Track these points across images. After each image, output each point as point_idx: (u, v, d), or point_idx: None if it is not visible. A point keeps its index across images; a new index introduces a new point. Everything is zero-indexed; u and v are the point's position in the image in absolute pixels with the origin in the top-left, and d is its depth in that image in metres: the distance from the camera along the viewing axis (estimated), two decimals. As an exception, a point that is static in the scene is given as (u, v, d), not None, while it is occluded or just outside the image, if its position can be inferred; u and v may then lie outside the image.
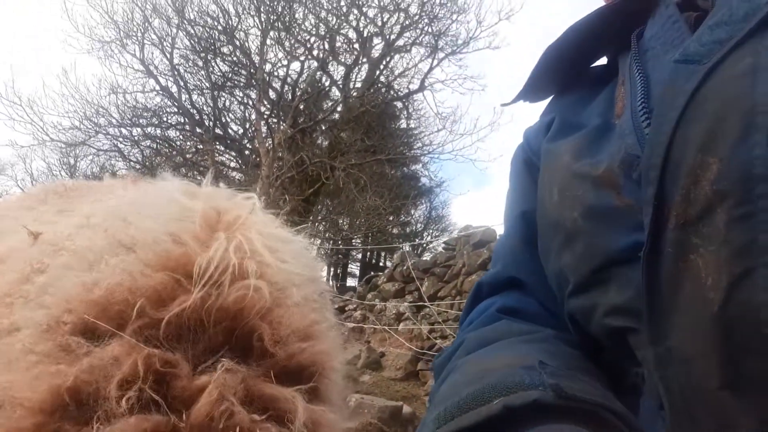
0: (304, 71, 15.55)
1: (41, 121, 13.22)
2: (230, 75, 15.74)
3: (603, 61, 0.90)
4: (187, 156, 15.07)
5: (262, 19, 14.46)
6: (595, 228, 0.67)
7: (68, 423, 0.60)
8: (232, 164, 16.20)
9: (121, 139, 14.92)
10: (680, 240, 0.53)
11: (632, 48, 0.75)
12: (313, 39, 15.30)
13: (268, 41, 14.76)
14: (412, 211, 21.87)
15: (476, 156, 14.33)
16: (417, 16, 14.73)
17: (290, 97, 15.13)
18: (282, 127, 14.25)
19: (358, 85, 15.84)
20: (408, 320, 9.61)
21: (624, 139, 0.65)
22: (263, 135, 14.22)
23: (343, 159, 13.77)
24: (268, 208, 1.02)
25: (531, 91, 0.93)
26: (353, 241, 19.54)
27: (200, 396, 0.62)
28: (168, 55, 14.55)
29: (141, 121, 14.93)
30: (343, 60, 15.71)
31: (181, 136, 16.01)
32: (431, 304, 8.97)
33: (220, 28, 14.69)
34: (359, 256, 23.79)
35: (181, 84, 14.95)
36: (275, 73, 15.54)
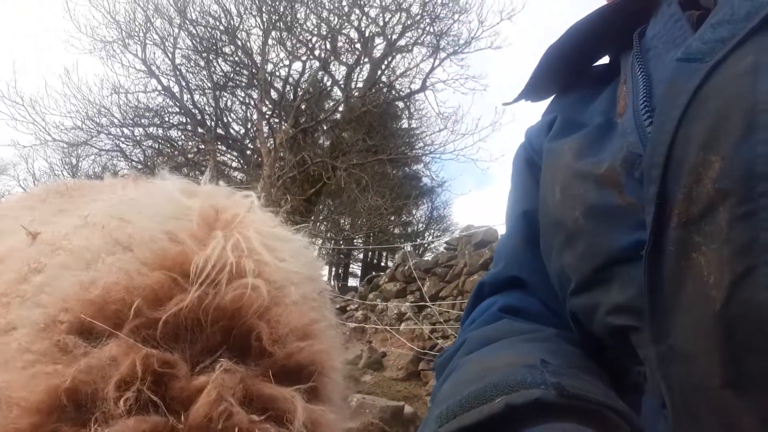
0: (306, 71, 15.58)
1: (43, 121, 13.27)
2: (232, 75, 15.78)
3: (605, 60, 0.90)
4: (189, 156, 15.11)
5: (264, 19, 14.48)
6: (597, 227, 0.67)
7: (66, 424, 0.59)
8: (234, 164, 16.24)
9: (123, 139, 14.98)
10: (682, 238, 0.53)
11: (634, 47, 0.75)
12: (314, 39, 15.34)
13: (270, 41, 14.79)
14: (414, 211, 21.92)
15: (478, 156, 14.35)
16: (419, 16, 14.76)
17: (292, 97, 15.16)
18: (284, 127, 14.27)
19: (360, 85, 15.88)
20: (409, 320, 9.62)
21: (626, 137, 0.65)
22: (265, 135, 14.24)
23: (344, 159, 13.79)
24: (277, 213, 1.01)
25: (533, 90, 0.93)
26: (355, 241, 19.56)
27: (198, 397, 0.61)
28: (170, 55, 14.59)
29: (143, 121, 14.98)
30: (344, 60, 15.74)
31: (183, 136, 16.06)
32: (433, 304, 8.97)
33: (221, 28, 14.72)
34: (361, 256, 23.81)
35: (183, 84, 14.99)
36: (277, 73, 15.59)
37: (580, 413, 0.58)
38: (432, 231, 23.86)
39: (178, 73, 14.83)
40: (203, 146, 14.91)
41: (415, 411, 6.50)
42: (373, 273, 14.86)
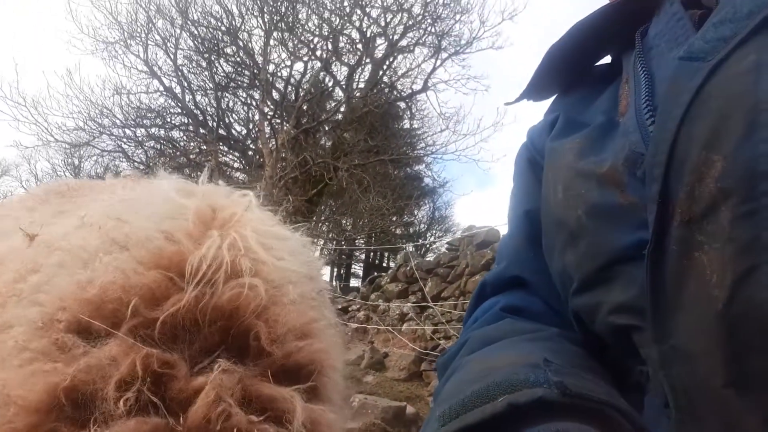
0: (308, 72, 15.64)
1: (45, 121, 13.35)
2: (234, 76, 15.82)
3: (607, 59, 0.90)
4: (191, 156, 15.12)
5: (266, 20, 14.53)
6: (600, 226, 0.67)
7: (64, 424, 0.59)
8: (236, 165, 16.29)
9: (125, 140, 15.04)
10: (685, 237, 0.53)
11: (636, 46, 0.75)
12: (316, 39, 15.38)
13: (272, 42, 14.83)
14: (416, 212, 21.94)
15: (479, 156, 14.40)
16: (420, 17, 14.79)
17: (293, 98, 15.19)
18: (285, 128, 14.30)
19: (362, 85, 15.91)
20: (411, 321, 9.61)
21: (628, 136, 0.65)
22: (266, 135, 14.27)
23: (346, 159, 13.81)
24: (276, 211, 1.00)
25: (535, 90, 0.93)
26: (356, 241, 19.56)
27: (197, 398, 0.60)
28: (172, 56, 14.64)
29: (145, 121, 15.04)
30: (346, 60, 15.77)
31: (184, 137, 16.10)
32: (434, 305, 8.97)
33: (223, 28, 14.77)
34: (362, 256, 23.82)
35: (185, 85, 15.03)
36: (278, 74, 15.63)
37: (582, 412, 0.57)
38: (434, 231, 23.88)
39: (179, 73, 14.88)
40: (205, 147, 14.94)
41: (417, 411, 6.50)
42: (375, 273, 14.86)
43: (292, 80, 15.67)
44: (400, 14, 14.99)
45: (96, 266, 0.71)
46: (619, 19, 0.81)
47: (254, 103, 15.58)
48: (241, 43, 14.92)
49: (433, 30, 14.86)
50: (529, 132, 0.97)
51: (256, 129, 15.36)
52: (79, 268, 0.73)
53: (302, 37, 15.19)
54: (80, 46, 14.16)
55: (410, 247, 14.55)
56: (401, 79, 16.02)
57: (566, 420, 0.56)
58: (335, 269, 23.68)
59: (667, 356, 0.57)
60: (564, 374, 0.61)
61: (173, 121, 15.59)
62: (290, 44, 15.15)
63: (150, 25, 14.07)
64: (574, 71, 0.89)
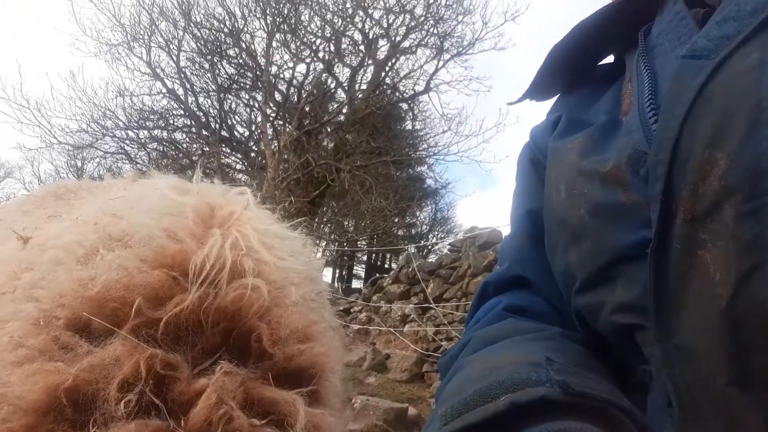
0: (310, 73, 15.66)
1: (49, 123, 13.38)
2: (236, 77, 15.84)
3: (609, 59, 0.90)
4: (194, 158, 15.13)
5: (268, 22, 14.54)
6: (602, 225, 0.66)
7: (63, 425, 0.58)
8: (238, 166, 16.30)
9: (127, 142, 15.05)
10: (688, 236, 0.53)
11: (639, 45, 0.75)
12: (318, 41, 15.40)
13: (274, 43, 14.85)
14: (418, 213, 21.93)
15: (482, 157, 14.37)
16: (422, 18, 14.80)
17: (296, 99, 15.21)
18: (288, 129, 14.33)
19: (364, 86, 15.93)
20: (413, 322, 9.61)
21: (631, 135, 0.65)
22: (269, 137, 14.28)
23: (348, 161, 13.82)
24: (274, 210, 0.99)
25: (537, 89, 0.93)
26: (358, 242, 19.56)
27: (198, 400, 0.59)
28: (174, 58, 14.65)
29: (147, 123, 15.06)
30: (348, 62, 15.78)
31: (187, 139, 16.12)
32: (436, 306, 8.97)
33: (226, 30, 14.78)
34: (364, 257, 23.85)
35: (188, 86, 15.05)
36: (281, 76, 15.64)
37: (585, 411, 0.57)
38: (436, 233, 23.88)
39: (182, 75, 14.90)
40: (208, 148, 14.94)
41: (419, 413, 6.49)
42: (377, 275, 14.85)
43: (295, 82, 15.71)
44: (402, 15, 15.02)
45: (97, 263, 0.70)
46: (621, 19, 0.81)
47: (257, 104, 15.60)
48: (243, 45, 14.94)
49: (435, 31, 14.88)
50: (531, 132, 0.97)
51: (259, 131, 15.38)
52: (77, 264, 0.72)
53: (305, 39, 15.22)
54: (83, 48, 14.26)
55: (412, 249, 14.56)
56: (403, 81, 16.07)
57: (568, 419, 0.56)
58: (337, 270, 23.72)
59: (670, 355, 0.57)
60: (566, 373, 0.61)
61: (176, 123, 15.62)
62: (293, 46, 15.18)
63: (153, 27, 14.09)
64: (576, 71, 0.89)
